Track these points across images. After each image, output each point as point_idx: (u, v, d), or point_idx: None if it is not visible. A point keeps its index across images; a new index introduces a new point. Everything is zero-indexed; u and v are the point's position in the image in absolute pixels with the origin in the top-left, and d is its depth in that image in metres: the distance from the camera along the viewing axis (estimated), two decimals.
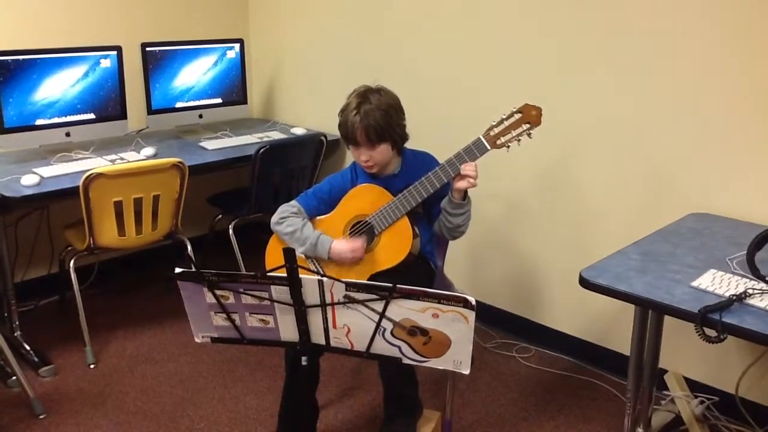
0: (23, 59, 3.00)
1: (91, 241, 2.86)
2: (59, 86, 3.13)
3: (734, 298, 1.69)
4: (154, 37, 3.52)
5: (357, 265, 2.21)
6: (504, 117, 2.12)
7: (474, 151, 2.11)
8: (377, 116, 2.13)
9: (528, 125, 2.12)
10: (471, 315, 1.54)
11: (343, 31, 3.60)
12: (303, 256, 2.24)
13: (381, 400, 2.33)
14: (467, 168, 2.10)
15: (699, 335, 1.66)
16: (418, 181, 2.15)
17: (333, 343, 1.72)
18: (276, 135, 3.65)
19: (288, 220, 2.25)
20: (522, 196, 3.02)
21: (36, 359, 2.86)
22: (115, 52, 3.25)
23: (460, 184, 2.11)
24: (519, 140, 2.13)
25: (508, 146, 2.13)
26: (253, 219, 3.43)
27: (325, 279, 1.59)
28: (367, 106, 2.13)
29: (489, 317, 3.21)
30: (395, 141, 2.20)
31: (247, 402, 2.67)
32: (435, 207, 2.25)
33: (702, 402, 2.48)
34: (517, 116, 2.12)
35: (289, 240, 2.24)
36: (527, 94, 2.28)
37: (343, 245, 2.19)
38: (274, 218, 2.28)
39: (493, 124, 2.13)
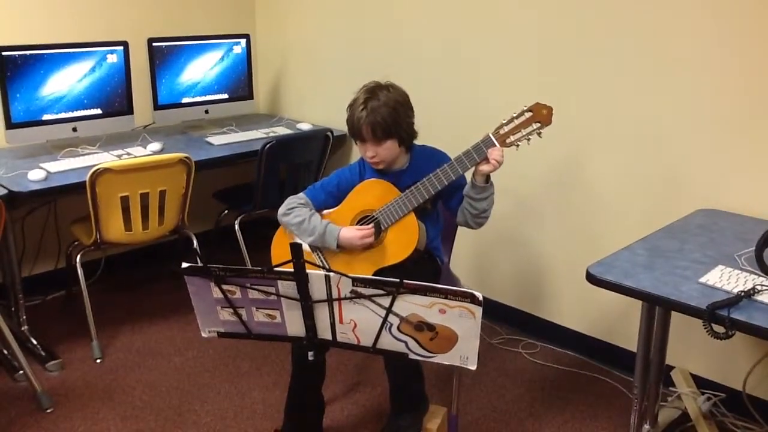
0: (30, 54, 3.01)
1: (98, 236, 2.86)
2: (66, 81, 3.13)
3: (742, 294, 1.69)
4: (160, 32, 3.52)
5: (363, 260, 2.21)
6: (514, 115, 2.10)
7: (483, 149, 2.09)
8: (384, 113, 2.11)
9: (538, 124, 2.09)
10: (478, 310, 1.54)
11: (350, 26, 3.60)
12: (309, 250, 2.24)
13: (387, 395, 2.33)
14: (495, 152, 2.08)
15: (707, 331, 1.66)
16: (426, 178, 2.14)
17: (339, 338, 1.72)
18: (282, 130, 3.65)
19: (295, 210, 2.25)
20: (529, 192, 3.01)
21: (43, 353, 2.87)
22: (121, 48, 3.25)
23: (484, 168, 2.10)
24: (529, 139, 2.11)
25: (518, 145, 2.12)
26: (259, 214, 3.43)
27: (332, 274, 1.59)
28: (374, 102, 2.12)
29: (495, 313, 3.20)
30: (402, 138, 2.19)
31: (254, 397, 2.68)
32: (454, 199, 2.24)
33: (709, 399, 2.47)
34: (528, 115, 2.10)
35: (297, 230, 2.23)
36: (536, 92, 2.28)
37: (353, 232, 2.18)
38: (281, 210, 2.28)
39: (504, 122, 2.11)
